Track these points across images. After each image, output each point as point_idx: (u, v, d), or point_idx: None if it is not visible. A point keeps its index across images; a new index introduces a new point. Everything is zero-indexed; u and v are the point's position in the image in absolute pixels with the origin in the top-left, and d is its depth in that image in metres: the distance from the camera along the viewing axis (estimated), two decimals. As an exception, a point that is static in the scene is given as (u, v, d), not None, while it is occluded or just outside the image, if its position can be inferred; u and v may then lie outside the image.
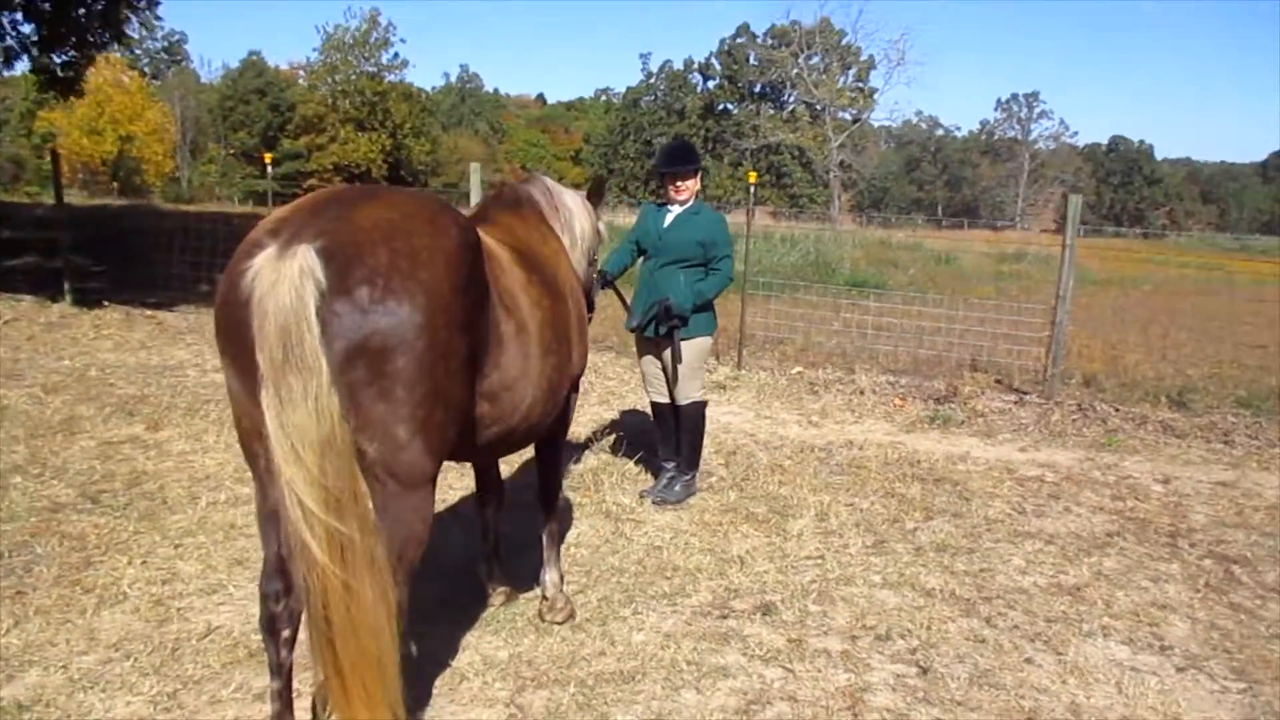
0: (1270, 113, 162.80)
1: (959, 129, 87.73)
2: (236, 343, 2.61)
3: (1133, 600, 4.60)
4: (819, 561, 4.88)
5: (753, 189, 11.23)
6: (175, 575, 4.42)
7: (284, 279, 2.49)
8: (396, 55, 62.83)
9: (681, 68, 74.37)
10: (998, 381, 9.07)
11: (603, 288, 5.40)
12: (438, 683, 3.59)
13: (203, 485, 5.64)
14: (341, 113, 59.61)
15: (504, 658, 3.79)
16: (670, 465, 5.81)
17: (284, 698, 2.89)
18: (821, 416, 7.98)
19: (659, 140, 69.83)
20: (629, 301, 5.72)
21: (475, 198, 9.98)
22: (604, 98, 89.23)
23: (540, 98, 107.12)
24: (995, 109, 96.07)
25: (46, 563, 4.48)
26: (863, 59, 66.16)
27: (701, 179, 5.81)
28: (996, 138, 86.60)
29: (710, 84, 73.22)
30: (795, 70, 66.15)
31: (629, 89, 77.13)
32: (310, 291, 2.49)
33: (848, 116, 67.49)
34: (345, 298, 2.53)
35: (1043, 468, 6.77)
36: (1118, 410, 8.24)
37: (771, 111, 69.89)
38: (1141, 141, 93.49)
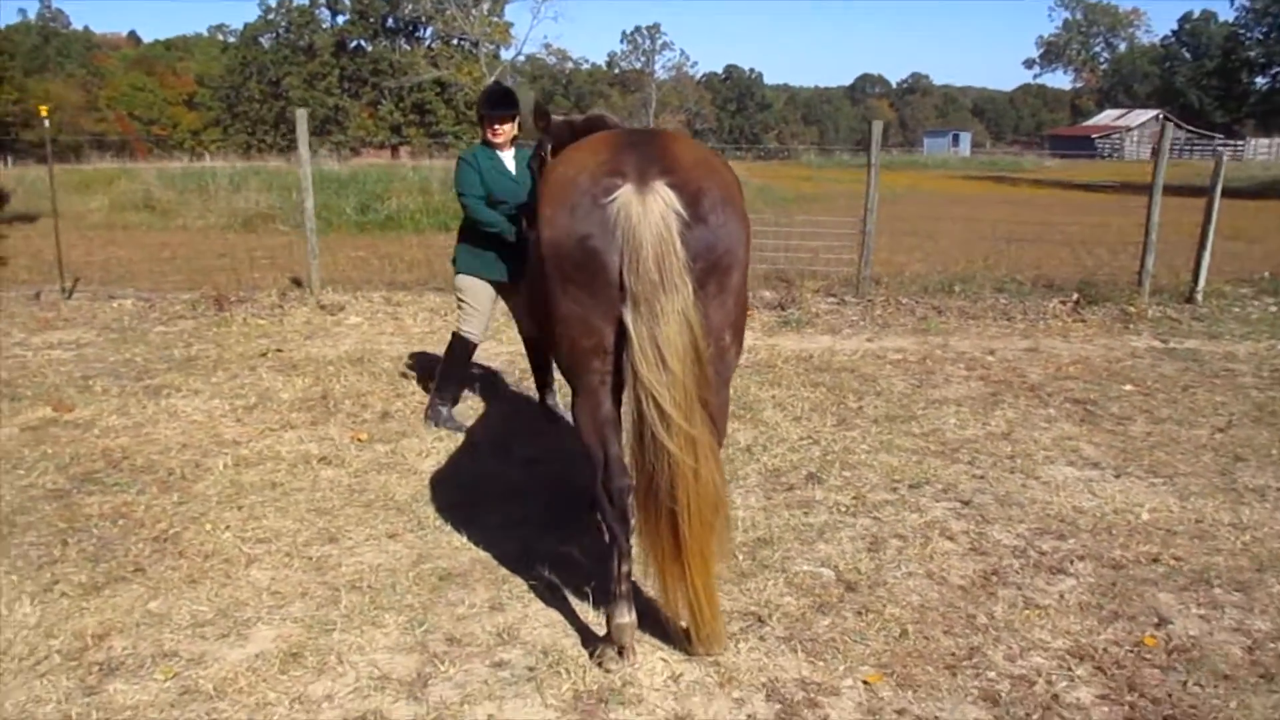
0: (854, 41, 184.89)
1: (587, 61, 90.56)
2: (590, 269, 2.96)
3: (1047, 437, 5.93)
4: (815, 440, 5.76)
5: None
6: (275, 533, 4.43)
7: (652, 211, 2.89)
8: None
9: (307, 2, 70.39)
10: (817, 290, 10.40)
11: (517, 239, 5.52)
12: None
13: (193, 452, 5.46)
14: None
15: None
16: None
17: (629, 578, 3.28)
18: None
19: (287, 80, 66.35)
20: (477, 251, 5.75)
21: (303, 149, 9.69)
22: (220, 35, 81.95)
23: (133, 36, 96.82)
24: (621, 41, 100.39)
25: (121, 541, 4.32)
26: None
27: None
28: (624, 70, 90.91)
29: (340, 19, 70.15)
30: (430, 4, 64.91)
31: (247, 25, 71.83)
32: (675, 221, 2.91)
33: (496, 52, 67.53)
34: (701, 224, 2.97)
35: (900, 352, 8.11)
36: (919, 302, 9.84)
37: (407, 48, 68.47)
38: (752, 70, 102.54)
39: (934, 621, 3.66)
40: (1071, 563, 4.17)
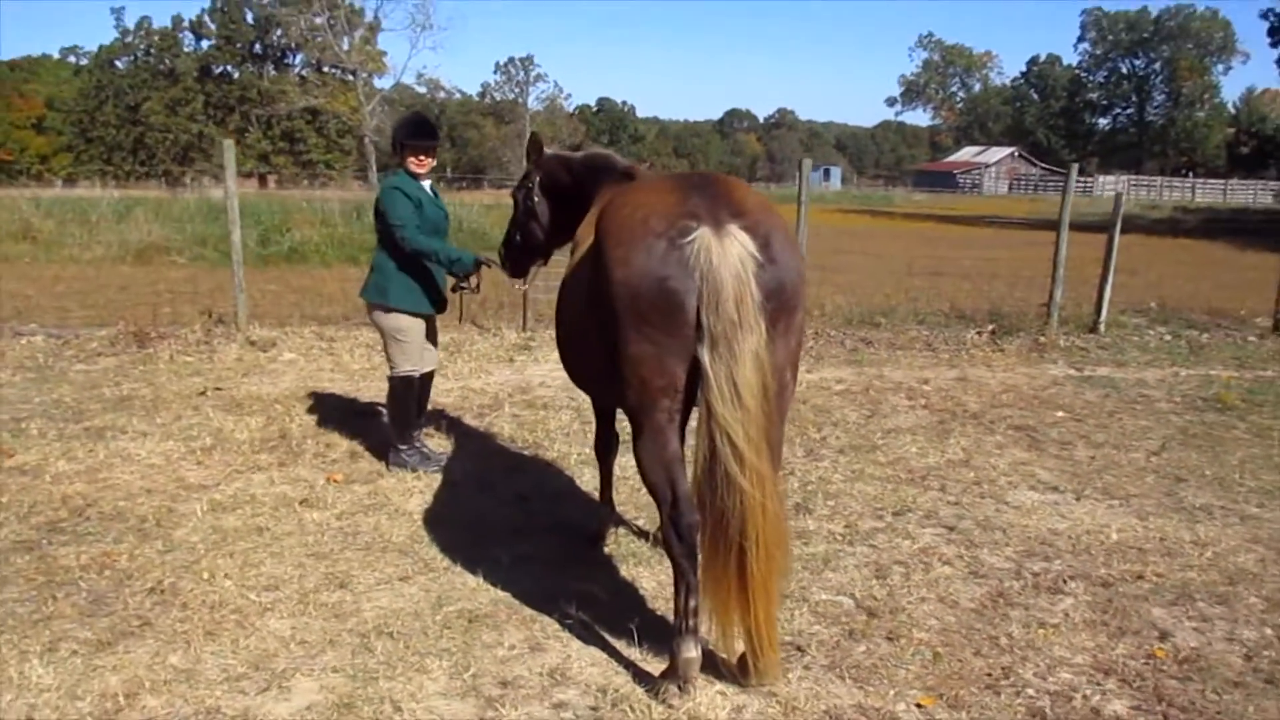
0: (722, 78, 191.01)
1: (459, 92, 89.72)
2: (668, 309, 3.02)
3: (1003, 463, 6.24)
4: (790, 472, 5.91)
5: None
6: (277, 580, 4.29)
7: (730, 253, 2.99)
8: None
9: (170, 25, 68.11)
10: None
11: (478, 268, 5.54)
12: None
13: (160, 497, 5.24)
14: None
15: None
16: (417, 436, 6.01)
17: (697, 614, 3.30)
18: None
19: (147, 105, 64.05)
20: (391, 281, 5.60)
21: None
22: (71, 57, 78.01)
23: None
24: (495, 72, 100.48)
25: (115, 593, 4.11)
26: (368, 20, 65.15)
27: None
28: (497, 100, 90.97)
29: (205, 44, 68.16)
30: (300, 30, 63.66)
31: (102, 48, 68.95)
32: (750, 263, 3.01)
33: (374, 81, 66.66)
34: (773, 265, 3.08)
35: (841, 383, 8.38)
36: (847, 334, 10.20)
37: (275, 73, 67.04)
38: (624, 102, 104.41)
39: (960, 644, 3.82)
40: (1065, 582, 4.42)
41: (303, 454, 6.03)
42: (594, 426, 4.73)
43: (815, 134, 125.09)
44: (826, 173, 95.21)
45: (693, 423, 3.27)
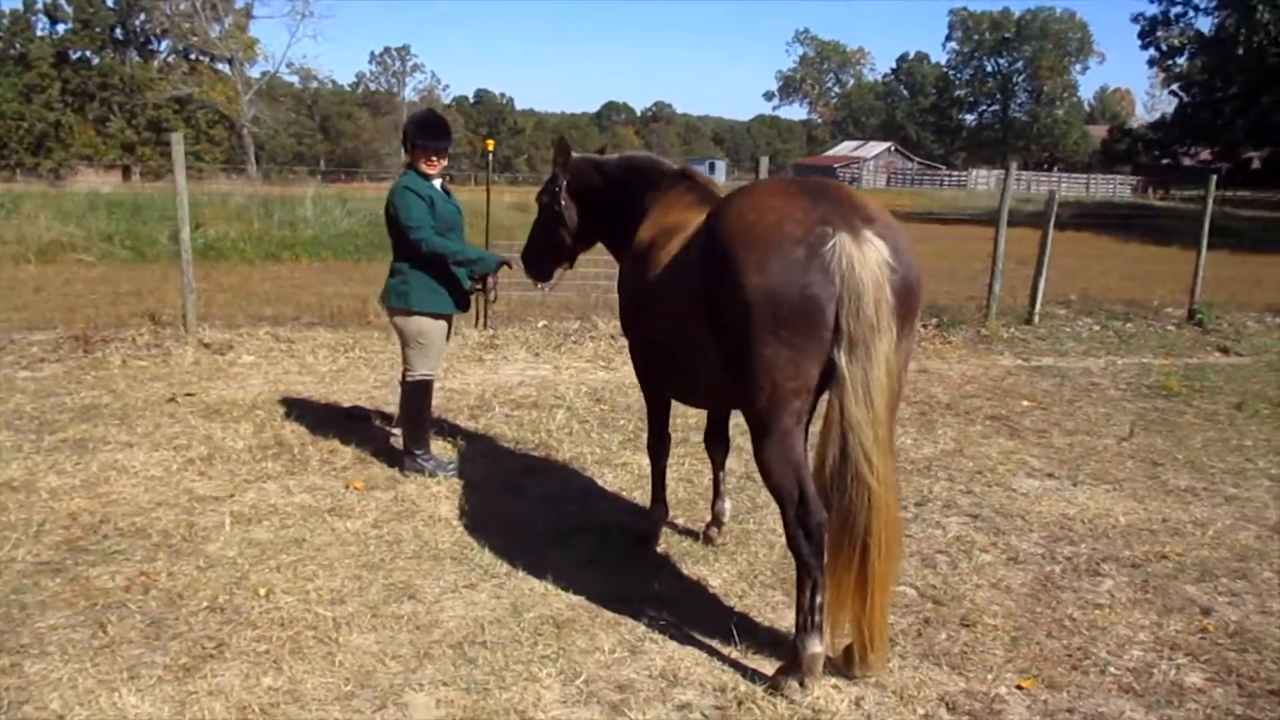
0: (600, 71, 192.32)
1: (332, 81, 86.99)
2: (808, 313, 3.09)
3: (993, 451, 6.53)
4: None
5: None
6: (337, 593, 4.18)
7: (869, 258, 3.09)
8: None
9: (22, 6, 64.05)
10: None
11: (498, 269, 5.60)
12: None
13: (175, 511, 5.01)
14: None
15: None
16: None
17: (823, 610, 3.37)
18: (607, 362, 8.95)
19: None
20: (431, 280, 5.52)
21: None
22: None
23: None
24: (370, 62, 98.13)
25: (172, 614, 3.93)
26: (238, 6, 62.75)
27: None
28: (373, 91, 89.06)
29: (61, 28, 64.48)
30: (164, 15, 60.84)
31: None
32: (885, 269, 3.10)
33: (247, 70, 64.34)
34: (903, 269, 3.18)
35: (812, 377, 8.58)
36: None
37: (139, 60, 63.97)
38: (503, 94, 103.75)
39: (1029, 627, 4.01)
40: (1099, 565, 4.68)
41: (308, 461, 5.84)
42: (648, 428, 4.75)
43: (693, 128, 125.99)
44: (712, 166, 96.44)
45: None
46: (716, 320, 3.37)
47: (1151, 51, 45.11)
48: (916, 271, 3.28)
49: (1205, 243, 11.78)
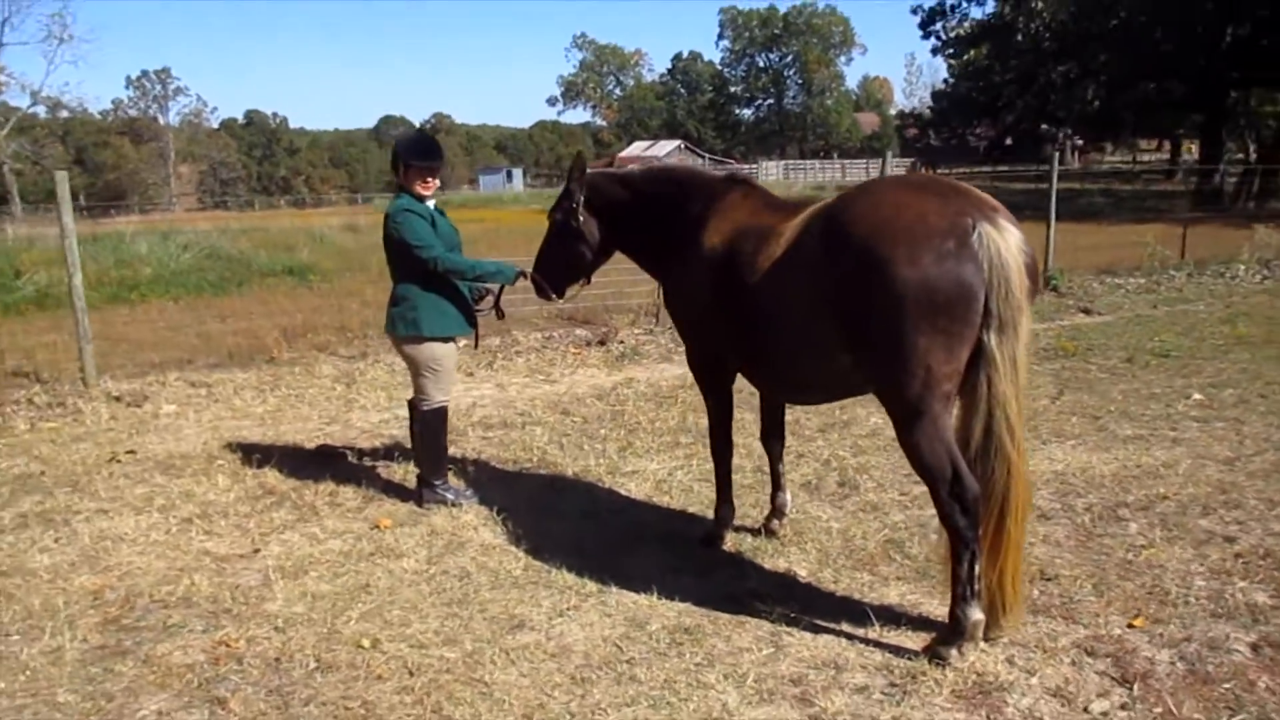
0: (375, 84, 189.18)
1: (83, 109, 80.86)
2: (965, 300, 3.30)
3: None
4: (799, 454, 6.28)
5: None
6: (441, 635, 4.04)
7: (1011, 245, 3.34)
8: None
9: None
10: (633, 323, 10.84)
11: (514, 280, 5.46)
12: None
13: (206, 575, 4.69)
14: None
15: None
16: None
17: (980, 578, 3.56)
18: (545, 375, 8.90)
19: None
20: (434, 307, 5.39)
21: None
22: None
23: None
24: (127, 87, 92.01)
25: (287, 682, 3.71)
26: None
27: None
28: (133, 117, 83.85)
29: None
30: None
31: None
32: (1023, 254, 3.36)
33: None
34: (1030, 253, 3.43)
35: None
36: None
37: None
38: (275, 114, 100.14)
39: (1097, 574, 4.39)
40: (1115, 511, 5.15)
41: (314, 506, 5.55)
42: (711, 430, 4.86)
43: (474, 137, 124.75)
44: (509, 174, 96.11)
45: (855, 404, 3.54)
46: (852, 314, 3.52)
47: (933, 40, 48.63)
48: (1034, 256, 3.55)
49: (1054, 213, 12.91)
